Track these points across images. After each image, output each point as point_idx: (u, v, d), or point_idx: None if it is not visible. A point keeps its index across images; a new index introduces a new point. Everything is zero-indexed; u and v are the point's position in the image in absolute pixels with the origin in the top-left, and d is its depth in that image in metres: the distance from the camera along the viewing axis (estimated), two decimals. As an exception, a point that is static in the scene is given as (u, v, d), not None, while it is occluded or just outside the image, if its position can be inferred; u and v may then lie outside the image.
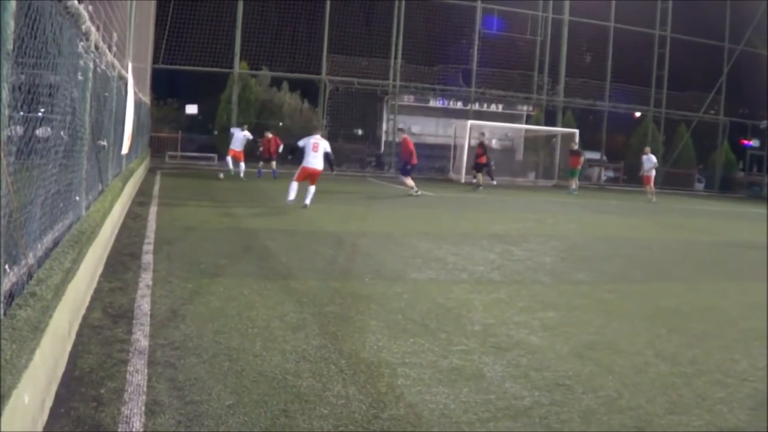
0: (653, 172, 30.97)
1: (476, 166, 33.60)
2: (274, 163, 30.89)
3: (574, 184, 34.60)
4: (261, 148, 31.55)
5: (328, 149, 20.24)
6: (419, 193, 27.54)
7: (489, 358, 7.22)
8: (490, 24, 44.83)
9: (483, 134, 35.69)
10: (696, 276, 14.00)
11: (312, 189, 20.00)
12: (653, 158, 31.25)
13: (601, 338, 8.40)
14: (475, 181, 33.52)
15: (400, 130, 34.17)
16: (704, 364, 7.65)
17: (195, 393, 5.65)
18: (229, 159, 29.42)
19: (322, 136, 20.85)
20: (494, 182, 36.02)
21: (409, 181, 27.74)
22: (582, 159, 35.03)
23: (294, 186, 19.79)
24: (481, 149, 33.56)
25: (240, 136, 29.36)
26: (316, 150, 19.78)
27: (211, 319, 7.78)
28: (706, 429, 5.89)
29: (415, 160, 28.85)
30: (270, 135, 31.30)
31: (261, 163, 31.37)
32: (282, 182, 25.10)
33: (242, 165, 29.30)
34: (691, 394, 6.65)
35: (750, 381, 7.17)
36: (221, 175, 28.63)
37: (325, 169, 20.30)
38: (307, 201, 19.78)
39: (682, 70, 48.31)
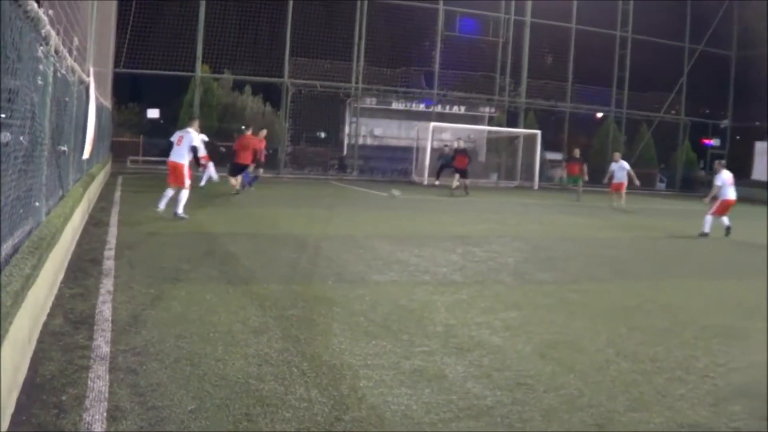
0: (626, 180, 29.95)
1: (461, 172, 32.66)
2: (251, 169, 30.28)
3: (579, 191, 33.43)
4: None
5: (196, 143, 18.13)
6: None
7: (451, 358, 7.26)
8: (453, 26, 44.95)
9: (460, 139, 35.51)
10: (657, 274, 14.12)
11: (180, 193, 17.53)
12: (626, 165, 30.18)
13: (562, 337, 8.47)
14: (457, 185, 32.60)
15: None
16: (665, 362, 7.74)
17: (157, 398, 5.64)
18: (211, 166, 28.13)
19: (197, 129, 18.68)
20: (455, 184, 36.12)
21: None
22: (585, 167, 34.19)
23: (167, 192, 17.81)
24: (464, 154, 32.90)
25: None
26: (180, 143, 17.82)
27: (172, 324, 7.76)
28: (666, 426, 5.96)
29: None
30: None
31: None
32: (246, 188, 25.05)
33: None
34: (652, 392, 6.73)
35: (710, 378, 7.27)
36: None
37: (191, 165, 18.54)
38: (177, 210, 17.31)
39: (643, 70, 48.62)
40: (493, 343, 7.94)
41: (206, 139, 28.24)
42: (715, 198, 21.09)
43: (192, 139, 17.90)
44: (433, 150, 39.52)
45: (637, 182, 29.93)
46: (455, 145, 34.17)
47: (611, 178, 30.46)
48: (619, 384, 6.89)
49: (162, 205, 17.38)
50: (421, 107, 45.27)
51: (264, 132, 27.23)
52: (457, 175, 32.44)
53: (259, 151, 25.94)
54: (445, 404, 6.00)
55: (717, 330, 9.39)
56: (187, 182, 17.55)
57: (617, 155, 31.35)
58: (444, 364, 7.05)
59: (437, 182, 36.14)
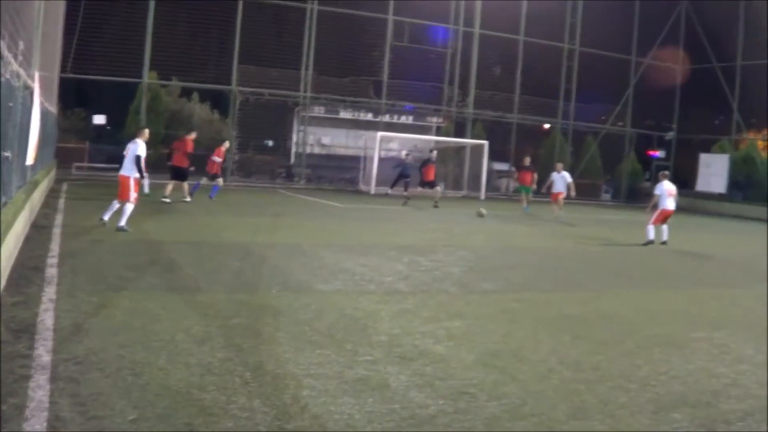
0: (565, 190, 29.77)
1: (430, 184, 32.39)
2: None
3: (526, 201, 32.86)
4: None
5: (139, 152, 17.31)
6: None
7: (394, 368, 7.29)
8: (402, 36, 45.01)
9: (432, 151, 35.05)
10: (600, 284, 14.30)
11: (124, 206, 16.89)
12: (567, 176, 29.89)
13: (505, 346, 8.54)
14: (436, 200, 32.08)
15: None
16: (607, 370, 7.84)
17: (98, 408, 5.60)
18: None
19: (145, 138, 18.00)
20: (406, 193, 36.16)
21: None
22: (535, 176, 33.48)
23: (114, 204, 17.18)
24: (432, 165, 32.66)
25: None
26: (126, 155, 17.44)
27: (115, 333, 7.71)
28: (607, 434, 6.05)
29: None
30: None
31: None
32: (199, 197, 24.92)
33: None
34: (594, 400, 6.81)
35: (651, 386, 7.38)
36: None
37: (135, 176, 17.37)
38: (120, 223, 16.55)
39: (590, 82, 49.03)
40: (436, 352, 7.98)
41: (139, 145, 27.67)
42: (655, 207, 21.41)
43: (137, 148, 17.40)
44: (390, 159, 39.60)
45: (573, 193, 29.92)
46: (432, 154, 33.87)
47: (550, 187, 30.44)
48: (561, 392, 6.96)
49: (106, 216, 16.91)
50: (369, 116, 45.27)
51: (193, 135, 26.95)
52: (437, 188, 32.37)
53: (186, 153, 25.69)
54: (387, 413, 6.03)
55: (658, 339, 9.53)
56: (132, 195, 17.00)
57: (559, 165, 31.28)
58: (387, 374, 7.08)
59: (390, 191, 36.12)
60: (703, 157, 49.41)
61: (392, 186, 35.75)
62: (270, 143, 46.21)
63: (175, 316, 8.69)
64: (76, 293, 9.47)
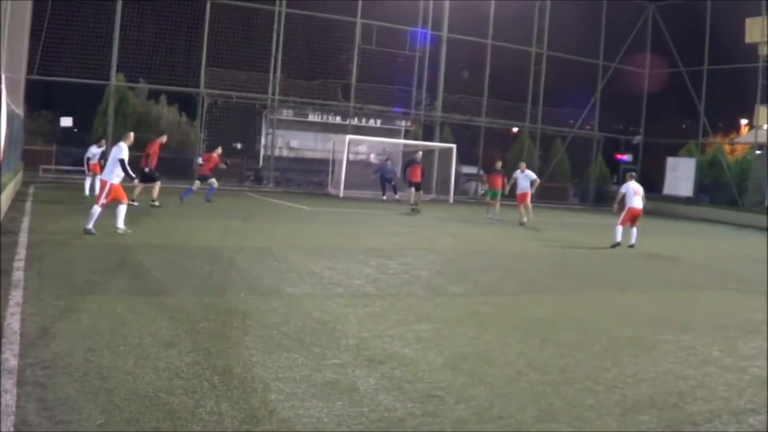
0: (530, 189, 28.88)
1: (415, 185, 31.54)
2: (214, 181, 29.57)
3: (496, 207, 31.26)
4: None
5: (121, 156, 16.90)
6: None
7: (363, 371, 7.30)
8: (370, 39, 45.00)
9: (418, 152, 34.13)
10: (568, 287, 14.38)
11: (117, 208, 16.90)
12: (531, 174, 29.57)
13: (474, 349, 8.57)
14: (413, 203, 31.29)
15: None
16: (574, 373, 7.89)
17: (65, 413, 5.57)
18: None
19: (129, 142, 17.62)
20: (396, 196, 36.24)
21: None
22: (505, 180, 31.98)
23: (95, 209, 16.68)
24: (417, 165, 31.88)
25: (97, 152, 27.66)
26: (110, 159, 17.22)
27: (82, 337, 7.67)
28: (574, 436, 6.10)
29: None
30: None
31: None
32: (165, 199, 24.79)
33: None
34: (561, 402, 6.85)
35: (619, 388, 7.43)
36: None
37: (124, 179, 17.24)
38: (117, 223, 16.80)
39: (558, 86, 49.26)
40: (405, 356, 8.00)
41: (95, 151, 27.49)
42: (621, 206, 21.56)
43: (119, 151, 17.01)
44: (358, 162, 39.69)
45: (532, 191, 29.58)
46: (417, 156, 33.05)
47: (514, 187, 29.76)
48: (529, 395, 7.00)
49: (90, 225, 16.38)
50: (338, 120, 45.28)
51: (163, 138, 26.86)
52: (412, 189, 31.42)
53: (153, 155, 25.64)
54: (356, 416, 6.04)
55: (626, 341, 9.61)
56: (103, 200, 16.59)
57: (523, 164, 30.62)
58: (356, 377, 7.09)
59: (384, 197, 36.18)
60: (671, 161, 49.81)
61: (384, 192, 35.82)
62: (238, 146, 46.11)
63: (142, 319, 8.65)
64: (42, 297, 9.41)
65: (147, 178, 24.74)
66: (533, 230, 26.40)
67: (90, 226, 16.27)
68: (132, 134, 18.25)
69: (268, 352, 7.69)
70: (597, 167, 52.25)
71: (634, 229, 21.53)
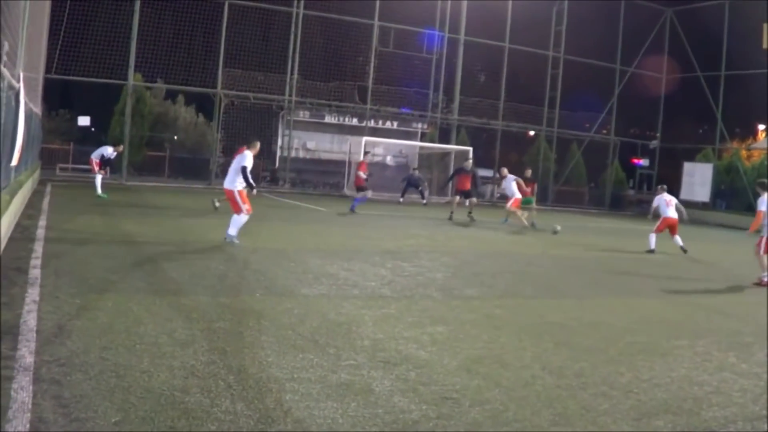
0: (517, 194, 28.44)
1: (464, 193, 30.91)
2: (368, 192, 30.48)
3: (527, 214, 29.84)
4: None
5: (245, 163, 16.72)
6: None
7: (378, 372, 7.29)
8: (387, 41, 45.00)
9: (468, 160, 33.37)
10: (584, 291, 14.32)
11: (239, 216, 16.68)
12: (513, 178, 28.82)
13: (488, 352, 8.54)
14: (469, 211, 30.66)
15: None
16: (590, 377, 7.85)
17: (81, 410, 5.57)
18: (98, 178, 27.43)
19: (255, 151, 17.46)
20: (423, 201, 36.29)
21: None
22: (535, 187, 31.35)
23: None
24: (467, 175, 31.09)
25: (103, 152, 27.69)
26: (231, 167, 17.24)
27: (98, 335, 7.68)
28: (589, 440, 6.08)
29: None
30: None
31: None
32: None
33: (98, 177, 27.06)
34: (576, 406, 6.82)
35: (634, 393, 7.39)
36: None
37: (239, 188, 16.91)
38: (230, 230, 16.61)
39: (575, 90, 49.16)
40: (419, 358, 7.99)
41: (111, 152, 27.55)
42: (657, 216, 22.27)
43: (243, 159, 16.76)
44: (375, 165, 39.77)
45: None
46: (467, 164, 32.24)
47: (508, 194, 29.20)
48: (544, 399, 6.97)
49: (231, 232, 16.54)
50: (354, 121, 45.31)
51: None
52: (461, 198, 30.76)
53: None
54: (371, 418, 6.02)
55: (641, 346, 9.56)
56: (244, 207, 16.58)
57: (504, 170, 30.11)
58: (371, 378, 7.08)
59: (401, 200, 36.23)
60: (687, 166, 49.68)
61: (402, 195, 35.90)
62: (255, 147, 46.17)
63: (158, 318, 8.66)
64: (59, 295, 9.43)
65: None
66: (549, 234, 26.33)
67: (234, 233, 16.37)
68: (258, 144, 17.96)
69: (284, 353, 7.69)
70: (613, 172, 52.14)
71: (677, 237, 21.91)
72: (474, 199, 31.01)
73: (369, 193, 29.76)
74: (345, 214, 27.62)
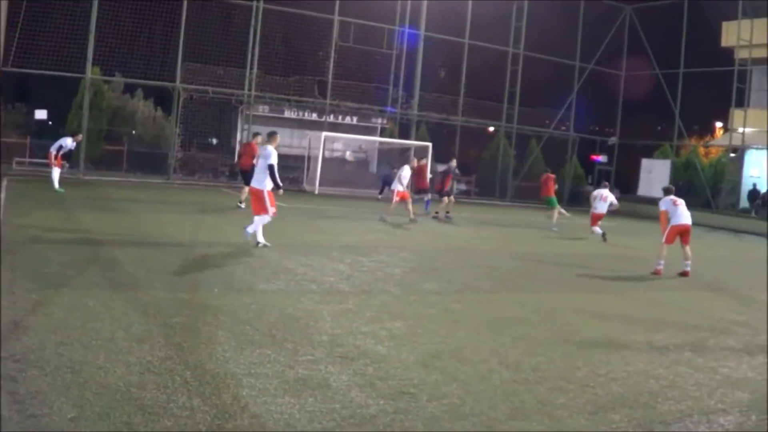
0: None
1: (447, 193, 30.33)
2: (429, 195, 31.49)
3: (555, 217, 28.87)
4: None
5: (271, 161, 16.00)
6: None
7: (335, 367, 7.32)
8: (347, 36, 44.93)
9: (452, 161, 32.95)
10: (541, 286, 14.44)
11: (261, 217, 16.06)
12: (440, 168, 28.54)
13: (446, 347, 8.61)
14: (442, 213, 29.87)
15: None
16: (546, 371, 7.94)
17: (36, 406, 5.56)
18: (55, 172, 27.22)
19: (275, 145, 16.56)
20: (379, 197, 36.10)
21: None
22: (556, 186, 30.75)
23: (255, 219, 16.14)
24: (450, 175, 31.13)
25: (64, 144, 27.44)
26: (257, 164, 16.53)
27: (54, 331, 7.64)
28: (545, 434, 6.14)
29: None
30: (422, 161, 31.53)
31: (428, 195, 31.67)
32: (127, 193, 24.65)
33: (56, 171, 26.63)
34: (533, 400, 6.91)
35: (590, 387, 7.50)
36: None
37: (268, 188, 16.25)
38: (249, 228, 16.06)
39: (534, 87, 49.34)
40: (377, 353, 8.03)
41: (71, 143, 27.33)
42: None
43: (269, 156, 15.99)
44: (333, 160, 39.76)
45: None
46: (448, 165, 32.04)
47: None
48: (501, 393, 7.05)
49: (258, 238, 16.11)
50: (314, 116, 45.23)
51: (258, 138, 26.75)
52: (446, 198, 29.92)
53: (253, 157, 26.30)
54: (328, 413, 6.06)
55: (598, 341, 9.67)
56: (271, 210, 15.99)
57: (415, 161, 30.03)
58: (328, 373, 7.11)
59: (380, 196, 36.18)
60: (645, 163, 50.09)
61: (381, 192, 35.88)
62: (214, 141, 45.98)
63: (115, 314, 8.63)
64: (14, 290, 9.36)
65: (247, 179, 25.13)
66: (508, 228, 26.46)
67: (261, 238, 15.97)
68: (278, 136, 16.92)
69: (241, 348, 7.69)
70: (572, 167, 52.41)
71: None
72: (452, 198, 30.63)
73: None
74: (422, 217, 27.55)
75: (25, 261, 11.75)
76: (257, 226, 15.93)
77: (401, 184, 26.21)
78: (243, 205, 24.43)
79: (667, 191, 18.56)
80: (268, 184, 16.00)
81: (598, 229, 24.52)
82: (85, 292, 9.67)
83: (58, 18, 37.21)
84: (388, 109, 46.26)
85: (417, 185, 30.74)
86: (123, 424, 5.43)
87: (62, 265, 11.58)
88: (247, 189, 24.05)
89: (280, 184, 16.35)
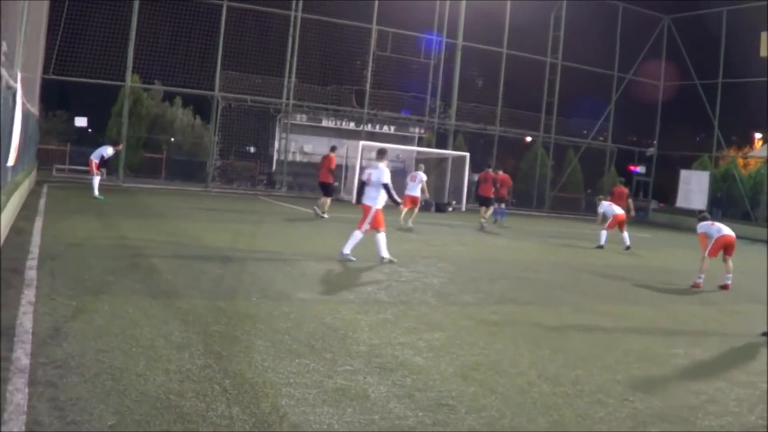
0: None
1: (484, 200, 30.36)
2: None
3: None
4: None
5: (384, 180, 16.07)
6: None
7: (374, 378, 7.28)
8: (385, 46, 44.97)
9: (490, 166, 32.65)
10: (580, 298, 14.30)
11: (377, 235, 16.25)
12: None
13: (485, 359, 8.54)
14: (483, 221, 29.81)
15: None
16: (586, 385, 7.85)
17: (76, 413, 5.57)
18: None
19: (386, 163, 16.64)
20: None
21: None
22: (631, 202, 30.04)
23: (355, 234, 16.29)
24: (489, 181, 30.59)
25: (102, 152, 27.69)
26: (369, 183, 16.34)
27: (94, 338, 7.67)
28: (584, 448, 6.08)
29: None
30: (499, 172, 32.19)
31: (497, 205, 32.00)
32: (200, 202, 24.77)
33: (96, 179, 27.05)
34: (572, 414, 6.82)
35: (630, 401, 7.40)
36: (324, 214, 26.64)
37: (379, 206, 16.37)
38: (381, 253, 16.20)
39: (572, 97, 49.18)
40: (416, 364, 7.98)
41: (111, 152, 27.63)
42: (605, 219, 23.94)
43: (381, 175, 16.02)
44: (361, 170, 39.72)
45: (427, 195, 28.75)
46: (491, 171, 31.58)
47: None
48: (540, 406, 6.97)
49: (383, 254, 16.22)
50: (351, 125, 45.28)
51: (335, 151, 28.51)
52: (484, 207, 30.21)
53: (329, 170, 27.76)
54: (367, 424, 6.02)
55: (637, 355, 9.57)
56: (366, 226, 16.15)
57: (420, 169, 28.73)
58: (367, 384, 7.07)
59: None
60: (684, 174, 49.68)
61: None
62: (252, 150, 46.16)
63: (154, 321, 8.65)
64: (55, 296, 9.41)
65: (326, 191, 27.01)
66: (545, 240, 26.34)
67: (348, 251, 15.94)
68: (386, 154, 17.05)
69: (280, 357, 7.68)
70: (610, 178, 52.12)
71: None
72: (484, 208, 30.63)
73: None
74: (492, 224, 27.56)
75: (65, 267, 11.81)
76: (380, 244, 16.10)
77: (415, 190, 26.23)
78: (327, 216, 26.17)
79: (702, 218, 18.23)
80: (380, 202, 16.10)
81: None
82: (125, 300, 9.71)
83: (98, 26, 37.58)
84: (403, 112, 46.16)
85: (497, 194, 30.98)
86: (162, 431, 5.43)
87: (102, 272, 11.64)
88: (324, 200, 24.79)
89: (399, 201, 17.03)
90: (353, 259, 15.81)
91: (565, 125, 50.46)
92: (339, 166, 42.88)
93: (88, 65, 36.84)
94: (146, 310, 9.17)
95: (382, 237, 16.15)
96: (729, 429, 6.91)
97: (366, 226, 16.06)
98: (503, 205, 32.34)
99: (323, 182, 27.38)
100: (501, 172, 32.14)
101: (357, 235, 16.03)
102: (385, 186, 15.98)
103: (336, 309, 10.48)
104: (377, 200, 16.05)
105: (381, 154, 16.73)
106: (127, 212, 22.33)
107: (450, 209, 38.69)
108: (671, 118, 52.63)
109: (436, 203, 38.24)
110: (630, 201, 29.96)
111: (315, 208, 26.92)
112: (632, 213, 30.18)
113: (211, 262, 13.95)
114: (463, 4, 45.93)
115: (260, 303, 10.44)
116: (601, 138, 52.89)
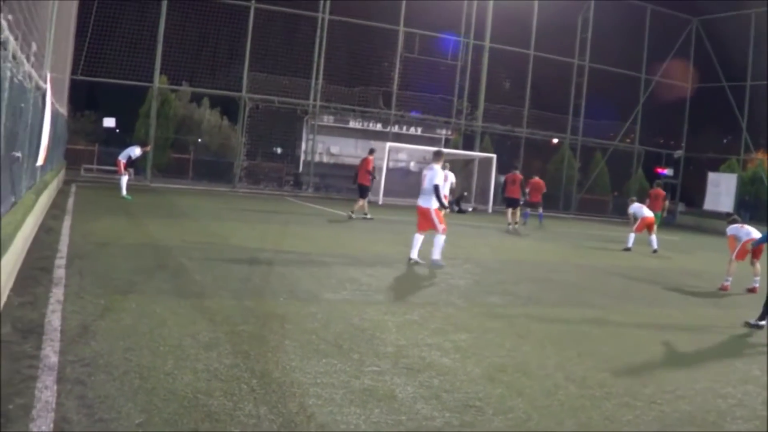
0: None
1: (511, 202, 30.62)
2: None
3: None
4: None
5: (436, 181, 16.11)
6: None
7: (401, 379, 7.27)
8: (412, 47, 44.98)
9: (516, 169, 32.33)
10: (606, 300, 14.22)
11: (435, 238, 16.28)
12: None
13: (512, 361, 8.51)
14: (511, 222, 30.28)
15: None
16: (613, 387, 7.80)
17: (104, 411, 5.58)
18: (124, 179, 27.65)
19: (442, 164, 17.04)
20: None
21: None
22: (667, 203, 30.68)
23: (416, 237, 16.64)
24: (516, 183, 30.73)
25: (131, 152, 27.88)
26: (425, 184, 16.38)
27: (122, 336, 7.69)
28: (612, 451, 6.04)
29: None
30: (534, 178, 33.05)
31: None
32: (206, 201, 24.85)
33: (124, 179, 27.36)
34: (600, 417, 6.78)
35: (657, 404, 7.34)
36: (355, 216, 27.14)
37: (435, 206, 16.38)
38: (434, 256, 16.19)
39: (599, 98, 49.03)
40: (443, 365, 7.96)
41: (139, 152, 27.84)
42: (635, 220, 24.37)
43: (434, 176, 16.08)
44: (399, 170, 39.90)
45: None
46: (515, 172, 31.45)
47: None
48: (568, 409, 6.94)
49: (413, 254, 16.46)
50: (378, 127, 45.30)
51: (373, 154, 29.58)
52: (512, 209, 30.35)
53: (367, 171, 28.39)
54: (394, 425, 6.01)
55: (664, 357, 9.51)
56: (440, 227, 16.16)
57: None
58: (394, 384, 7.06)
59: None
60: (712, 176, 49.44)
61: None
62: (278, 150, 46.30)
63: (182, 320, 8.68)
64: (83, 295, 9.47)
65: (363, 192, 27.48)
66: (573, 241, 26.26)
67: (437, 256, 16.09)
68: (443, 155, 17.11)
69: (307, 357, 7.68)
70: (637, 181, 51.92)
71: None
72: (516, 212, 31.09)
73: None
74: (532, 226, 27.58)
75: (93, 266, 11.87)
76: (437, 247, 16.11)
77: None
78: (369, 215, 27.21)
79: (732, 221, 18.17)
80: (435, 203, 16.15)
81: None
82: (153, 299, 9.75)
83: (127, 27, 37.83)
84: (413, 113, 46.15)
85: (530, 199, 31.96)
86: (190, 430, 5.43)
87: (130, 271, 11.69)
88: (360, 202, 25.01)
89: (446, 204, 16.87)
90: (443, 264, 15.92)
91: (593, 127, 50.29)
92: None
93: (117, 66, 37.10)
94: (174, 310, 9.20)
95: (418, 239, 16.34)
96: (758, 433, 6.87)
97: (442, 225, 16.16)
98: (540, 209, 32.49)
99: (361, 184, 27.79)
100: (537, 178, 32.95)
101: (440, 239, 16.15)
102: (435, 187, 15.98)
103: (363, 310, 10.48)
104: (431, 201, 16.13)
105: (437, 155, 16.80)
106: (155, 212, 22.42)
107: (470, 210, 38.70)
108: (699, 120, 52.33)
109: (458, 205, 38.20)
110: (666, 203, 30.78)
111: (350, 213, 27.37)
112: (664, 213, 30.92)
113: (239, 262, 13.97)
114: (491, 5, 45.92)
115: (288, 303, 10.45)
116: (629, 140, 52.70)
